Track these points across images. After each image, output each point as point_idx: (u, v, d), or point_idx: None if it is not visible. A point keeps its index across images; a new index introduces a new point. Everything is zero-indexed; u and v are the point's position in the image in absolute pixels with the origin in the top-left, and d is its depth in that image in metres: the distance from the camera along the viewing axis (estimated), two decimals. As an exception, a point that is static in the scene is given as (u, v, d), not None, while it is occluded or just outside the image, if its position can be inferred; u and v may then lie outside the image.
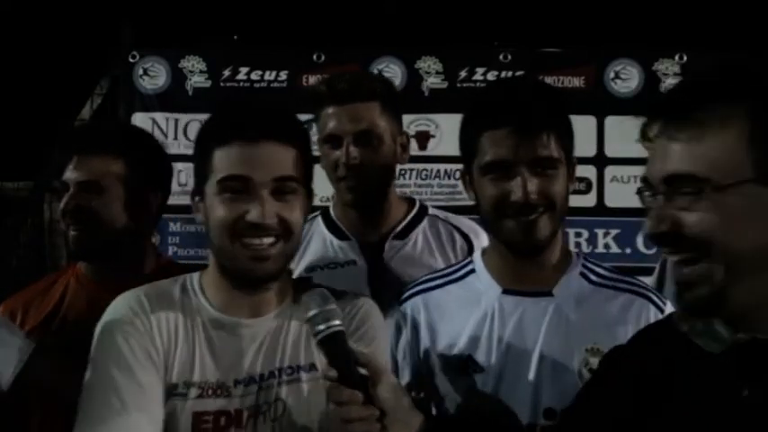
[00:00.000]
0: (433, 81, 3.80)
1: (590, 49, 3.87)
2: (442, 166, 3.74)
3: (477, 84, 3.76)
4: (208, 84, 3.80)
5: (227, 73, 3.80)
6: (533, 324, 1.55)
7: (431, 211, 2.11)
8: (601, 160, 3.75)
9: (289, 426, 1.38)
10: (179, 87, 3.80)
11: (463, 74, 3.79)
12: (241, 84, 3.80)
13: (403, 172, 3.65)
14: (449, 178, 3.74)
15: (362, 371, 1.20)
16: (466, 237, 2.03)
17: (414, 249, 2.01)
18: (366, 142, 1.93)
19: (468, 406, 1.55)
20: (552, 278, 1.59)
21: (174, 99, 3.79)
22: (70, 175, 1.78)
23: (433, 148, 3.75)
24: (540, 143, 1.48)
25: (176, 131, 3.77)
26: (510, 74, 3.75)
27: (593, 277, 1.61)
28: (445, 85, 3.79)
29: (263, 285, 1.41)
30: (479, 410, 1.54)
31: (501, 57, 3.80)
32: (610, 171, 3.76)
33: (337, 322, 1.22)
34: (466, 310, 1.60)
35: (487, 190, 1.52)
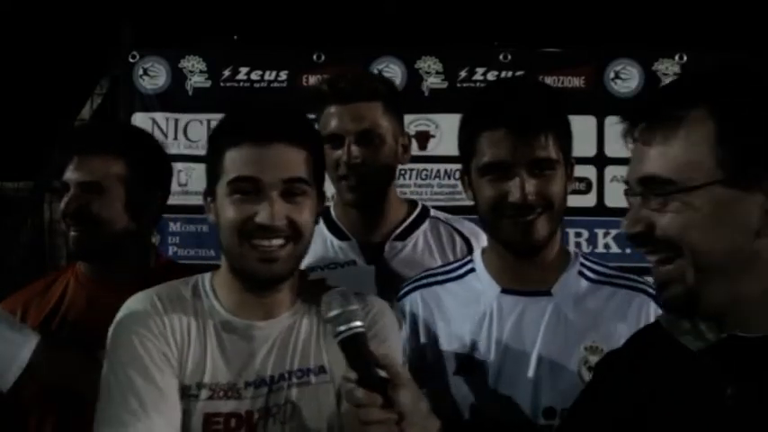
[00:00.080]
0: (433, 81, 3.79)
1: (590, 49, 3.85)
2: (442, 166, 3.73)
3: (478, 84, 3.75)
4: (208, 84, 3.79)
5: (227, 73, 3.79)
6: (532, 323, 1.56)
7: (433, 213, 2.10)
8: (601, 160, 3.74)
9: (298, 428, 1.38)
10: (179, 87, 3.79)
11: (463, 74, 3.77)
12: (241, 84, 3.79)
13: (403, 172, 3.64)
14: (449, 178, 3.74)
15: (382, 373, 1.18)
16: (466, 239, 2.03)
17: (414, 251, 2.01)
18: (368, 142, 1.93)
19: (482, 410, 1.55)
20: (551, 277, 1.59)
21: (174, 99, 3.77)
22: (71, 175, 1.79)
23: (433, 149, 3.74)
24: (538, 144, 1.48)
25: (176, 131, 3.76)
26: (510, 74, 3.74)
27: (591, 275, 1.62)
28: (445, 85, 3.78)
29: (273, 287, 1.41)
30: (491, 415, 1.54)
31: (501, 57, 3.79)
32: (610, 171, 3.75)
33: (359, 323, 1.20)
34: (465, 310, 1.61)
35: (486, 190, 1.52)
